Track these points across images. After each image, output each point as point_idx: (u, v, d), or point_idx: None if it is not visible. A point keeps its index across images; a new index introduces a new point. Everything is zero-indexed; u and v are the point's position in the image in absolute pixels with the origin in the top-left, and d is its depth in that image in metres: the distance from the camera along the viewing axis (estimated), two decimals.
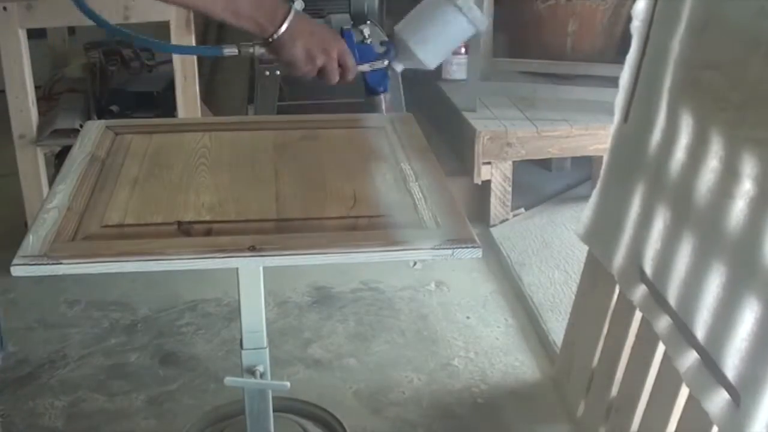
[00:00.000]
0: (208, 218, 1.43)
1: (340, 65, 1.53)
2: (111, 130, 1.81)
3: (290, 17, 1.46)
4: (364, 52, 1.56)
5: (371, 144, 1.75)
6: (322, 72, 1.51)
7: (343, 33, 1.54)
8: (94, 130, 1.80)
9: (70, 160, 1.65)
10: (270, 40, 1.47)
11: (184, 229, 1.39)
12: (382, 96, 1.61)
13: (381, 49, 1.62)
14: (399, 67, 1.59)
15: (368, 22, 3.25)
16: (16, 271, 1.27)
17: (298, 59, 1.49)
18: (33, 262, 1.28)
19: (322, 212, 1.44)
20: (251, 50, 1.51)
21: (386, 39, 1.63)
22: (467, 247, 1.34)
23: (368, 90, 1.61)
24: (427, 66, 1.57)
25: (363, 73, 1.57)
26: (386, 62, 1.57)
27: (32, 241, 1.32)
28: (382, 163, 1.64)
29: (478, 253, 1.35)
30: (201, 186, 1.54)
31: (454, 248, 1.34)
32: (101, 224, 1.40)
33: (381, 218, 1.43)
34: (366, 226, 1.40)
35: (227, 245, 1.32)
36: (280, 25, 1.45)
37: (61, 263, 1.28)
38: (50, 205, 1.45)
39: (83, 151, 1.69)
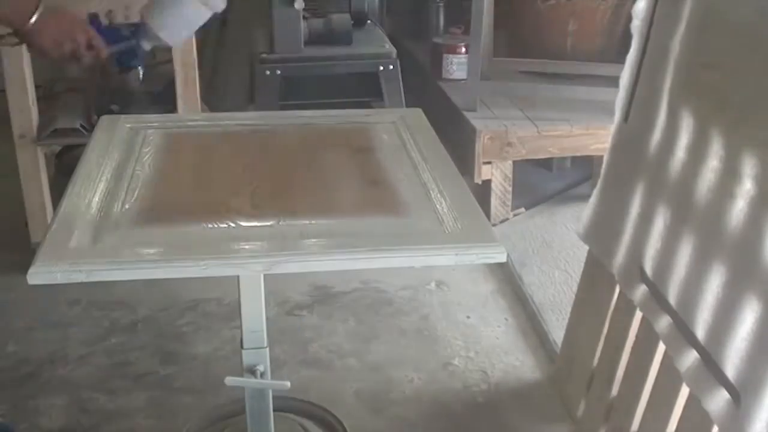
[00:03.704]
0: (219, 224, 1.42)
1: (92, 48, 1.68)
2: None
3: (39, 11, 1.60)
4: (111, 35, 1.72)
5: (384, 142, 1.76)
6: (73, 56, 1.67)
7: (90, 20, 1.71)
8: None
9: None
10: (19, 31, 1.61)
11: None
12: (136, 70, 1.83)
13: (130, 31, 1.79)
14: (147, 46, 1.75)
15: (369, 21, 3.26)
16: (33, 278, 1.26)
17: (47, 48, 1.64)
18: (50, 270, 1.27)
19: (337, 214, 1.44)
20: (4, 41, 1.65)
21: (134, 21, 1.82)
22: (491, 253, 1.33)
23: (120, 66, 1.79)
24: (171, 44, 1.79)
25: (114, 53, 1.73)
26: (134, 42, 1.74)
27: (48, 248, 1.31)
28: (397, 165, 1.64)
29: (502, 257, 1.33)
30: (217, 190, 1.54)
31: (478, 253, 1.33)
32: (114, 230, 1.39)
33: (401, 222, 1.42)
34: (384, 230, 1.38)
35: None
36: (30, 18, 1.59)
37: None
38: (65, 211, 1.44)
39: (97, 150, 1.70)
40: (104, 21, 1.79)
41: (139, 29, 1.76)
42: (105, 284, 2.59)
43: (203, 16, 1.72)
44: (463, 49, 3.29)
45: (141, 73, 1.88)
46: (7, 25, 1.63)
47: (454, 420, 2.07)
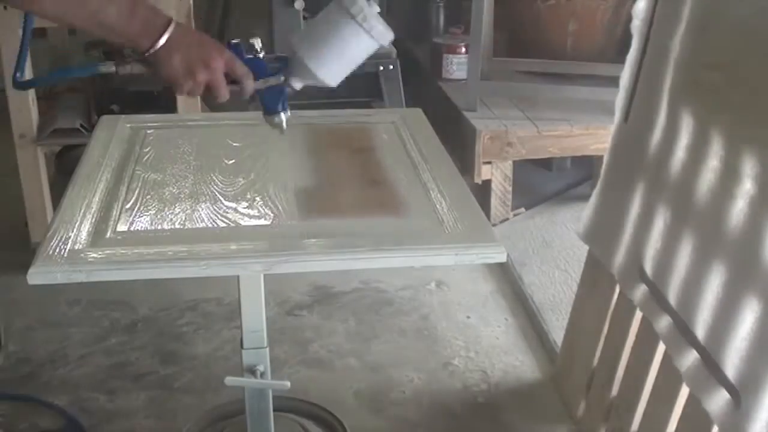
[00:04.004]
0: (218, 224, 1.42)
1: (233, 81, 1.38)
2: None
3: (170, 29, 1.30)
4: (255, 68, 1.41)
5: (385, 142, 1.76)
6: (209, 89, 1.36)
7: (230, 46, 1.39)
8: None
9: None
10: (146, 54, 1.31)
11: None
12: (282, 115, 1.47)
13: (275, 65, 1.47)
14: (297, 85, 1.45)
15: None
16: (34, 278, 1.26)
17: (178, 75, 1.32)
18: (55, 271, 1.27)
19: (337, 214, 1.44)
20: (129, 68, 1.36)
21: (282, 54, 1.49)
22: (491, 253, 1.34)
23: (265, 110, 1.47)
24: (328, 84, 1.44)
25: (257, 91, 1.43)
26: (282, 78, 1.43)
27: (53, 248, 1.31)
28: (397, 165, 1.65)
29: (502, 257, 1.33)
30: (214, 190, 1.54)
31: (478, 253, 1.34)
32: (114, 230, 1.39)
33: (401, 222, 1.42)
34: (384, 230, 1.38)
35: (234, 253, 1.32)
36: (158, 39, 1.29)
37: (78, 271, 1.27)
38: (66, 211, 1.44)
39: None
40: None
41: (288, 64, 1.44)
42: (105, 284, 2.58)
43: (367, 49, 1.41)
44: (463, 49, 3.29)
45: (286, 120, 1.49)
46: (129, 46, 1.32)
47: (454, 420, 2.07)
